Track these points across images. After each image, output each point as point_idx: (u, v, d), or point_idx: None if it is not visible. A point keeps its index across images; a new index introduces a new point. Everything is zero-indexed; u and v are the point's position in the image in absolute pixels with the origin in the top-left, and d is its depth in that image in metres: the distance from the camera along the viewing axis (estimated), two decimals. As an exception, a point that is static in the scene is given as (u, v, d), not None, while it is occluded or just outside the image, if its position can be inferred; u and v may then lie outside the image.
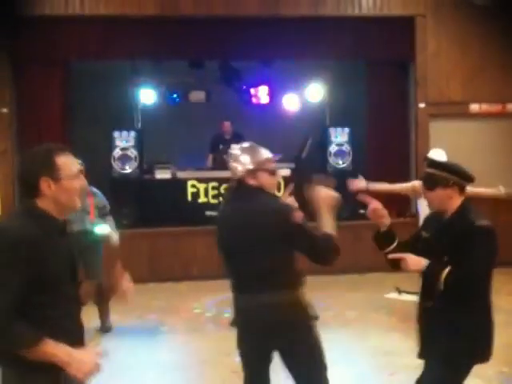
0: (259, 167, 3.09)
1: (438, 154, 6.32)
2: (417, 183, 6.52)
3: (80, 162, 6.19)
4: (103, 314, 6.34)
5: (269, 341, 3.09)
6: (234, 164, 3.11)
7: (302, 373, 3.13)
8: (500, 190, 6.21)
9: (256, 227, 3.00)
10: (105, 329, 6.32)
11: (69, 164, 2.39)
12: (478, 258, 3.03)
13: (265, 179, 3.11)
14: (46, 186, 2.31)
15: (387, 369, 5.11)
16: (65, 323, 2.36)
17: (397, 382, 4.88)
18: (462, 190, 3.14)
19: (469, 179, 3.19)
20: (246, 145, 3.20)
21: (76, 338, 2.42)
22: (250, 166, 3.07)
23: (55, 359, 2.24)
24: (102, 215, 6.31)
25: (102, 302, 6.34)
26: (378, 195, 7.67)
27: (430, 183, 3.13)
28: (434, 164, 3.22)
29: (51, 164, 2.33)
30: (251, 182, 3.09)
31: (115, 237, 6.19)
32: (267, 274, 3.01)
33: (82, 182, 2.49)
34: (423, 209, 6.34)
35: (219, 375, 5.09)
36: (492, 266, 3.19)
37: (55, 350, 2.24)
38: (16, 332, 2.18)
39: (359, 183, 6.03)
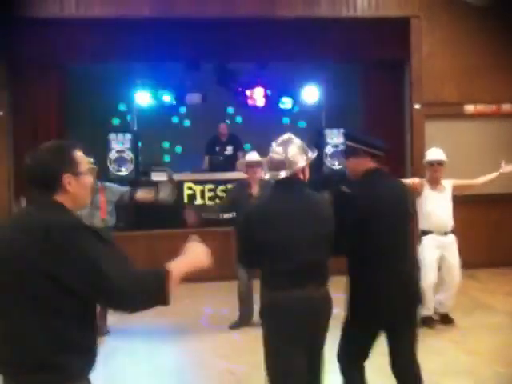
0: (308, 162, 3.26)
1: (436, 153, 6.34)
2: (417, 180, 6.53)
3: (91, 160, 6.29)
4: (101, 317, 6.34)
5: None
6: (293, 158, 3.17)
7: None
8: (502, 167, 6.41)
9: (320, 219, 3.12)
10: (102, 332, 6.31)
11: (84, 159, 2.44)
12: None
13: (307, 174, 3.28)
14: (67, 182, 2.33)
15: (384, 369, 5.12)
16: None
17: (393, 381, 4.89)
18: (373, 157, 3.47)
19: (377, 148, 3.49)
20: (295, 140, 3.30)
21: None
22: (304, 162, 3.22)
23: (186, 274, 2.42)
24: (128, 197, 6.32)
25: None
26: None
27: (345, 153, 3.55)
28: (348, 137, 3.60)
29: (72, 160, 2.36)
30: (301, 176, 3.23)
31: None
32: (324, 266, 3.16)
33: (91, 178, 2.53)
34: (423, 206, 6.35)
35: (217, 377, 5.10)
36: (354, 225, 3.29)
37: (180, 270, 2.40)
38: (145, 288, 2.32)
39: None
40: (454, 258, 6.23)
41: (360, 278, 3.41)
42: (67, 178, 2.33)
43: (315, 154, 3.28)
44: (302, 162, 3.20)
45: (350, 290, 3.46)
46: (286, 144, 3.24)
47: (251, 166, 6.44)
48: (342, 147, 9.52)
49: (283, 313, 3.03)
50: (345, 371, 3.56)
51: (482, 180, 6.49)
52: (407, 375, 3.59)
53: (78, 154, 2.40)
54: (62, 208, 2.32)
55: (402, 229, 3.44)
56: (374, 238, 3.31)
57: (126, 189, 6.46)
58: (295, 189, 3.19)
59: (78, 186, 2.36)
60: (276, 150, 3.23)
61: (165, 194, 6.19)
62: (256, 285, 6.47)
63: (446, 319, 6.37)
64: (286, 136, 3.31)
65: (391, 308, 3.38)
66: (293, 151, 3.20)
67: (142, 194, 6.39)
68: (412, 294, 3.48)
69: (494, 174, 6.48)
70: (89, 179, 2.44)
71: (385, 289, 3.33)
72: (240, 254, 3.26)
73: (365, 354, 3.55)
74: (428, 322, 6.25)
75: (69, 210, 2.34)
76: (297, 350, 3.03)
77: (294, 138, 3.30)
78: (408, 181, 6.40)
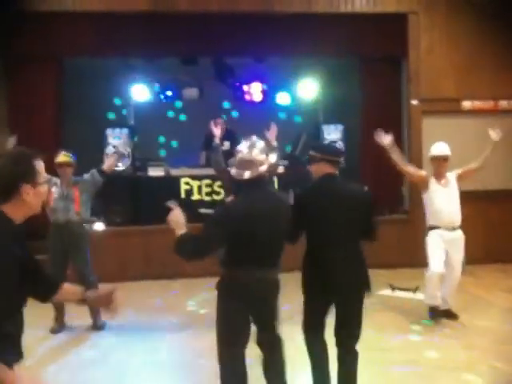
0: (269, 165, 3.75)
1: (441, 148, 6.29)
2: (424, 173, 6.49)
3: (66, 153, 6.25)
4: (94, 312, 6.31)
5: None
6: (257, 160, 3.53)
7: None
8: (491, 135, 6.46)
9: (278, 216, 3.62)
10: (97, 327, 6.29)
11: (43, 169, 2.45)
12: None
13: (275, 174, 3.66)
14: (25, 192, 2.34)
15: (382, 365, 5.13)
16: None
17: (391, 377, 4.90)
18: (325, 163, 3.94)
19: (333, 155, 3.98)
20: (258, 143, 3.61)
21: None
22: (267, 165, 3.64)
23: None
24: (94, 187, 6.36)
25: None
26: (374, 184, 7.71)
27: (309, 160, 4.05)
28: (311, 147, 4.15)
29: (32, 170, 2.36)
30: (265, 176, 3.65)
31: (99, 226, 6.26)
32: (278, 254, 3.68)
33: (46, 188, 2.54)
34: (432, 202, 6.28)
35: (215, 372, 5.09)
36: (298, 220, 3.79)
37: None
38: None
39: (386, 139, 6.18)
40: (458, 254, 6.20)
41: (308, 262, 3.95)
42: (26, 189, 2.33)
43: (275, 159, 3.76)
44: (265, 164, 3.55)
45: (303, 271, 3.96)
46: (251, 146, 3.55)
47: None
48: (339, 143, 9.59)
49: (241, 287, 3.51)
50: (308, 340, 4.04)
51: (481, 158, 6.44)
52: (345, 345, 3.95)
53: (38, 164, 2.40)
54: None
55: (349, 223, 3.85)
56: (317, 228, 3.85)
57: (91, 171, 6.41)
58: (259, 188, 3.58)
59: (34, 196, 2.38)
60: (242, 152, 3.55)
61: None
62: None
63: (449, 315, 6.34)
64: (252, 139, 3.61)
65: (335, 285, 3.83)
66: (257, 154, 3.52)
67: (108, 164, 6.53)
68: (356, 276, 3.89)
69: (488, 148, 6.44)
70: (44, 189, 2.45)
71: (326, 274, 3.81)
72: (205, 244, 3.52)
73: (322, 323, 3.99)
74: (434, 313, 6.22)
75: (9, 218, 2.35)
76: (244, 317, 3.58)
77: (258, 142, 3.60)
78: (421, 172, 6.36)
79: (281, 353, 3.79)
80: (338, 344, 3.93)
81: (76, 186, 6.24)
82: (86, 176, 6.32)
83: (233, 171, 3.60)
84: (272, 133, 5.60)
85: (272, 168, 3.85)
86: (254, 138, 3.62)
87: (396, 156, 6.36)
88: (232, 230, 3.43)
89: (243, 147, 3.56)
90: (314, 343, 4.02)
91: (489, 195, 8.94)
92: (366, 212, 3.93)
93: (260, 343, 3.76)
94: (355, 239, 3.91)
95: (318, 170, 3.97)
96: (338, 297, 3.87)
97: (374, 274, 8.32)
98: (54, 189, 6.17)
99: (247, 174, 3.50)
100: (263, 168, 3.53)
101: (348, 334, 3.91)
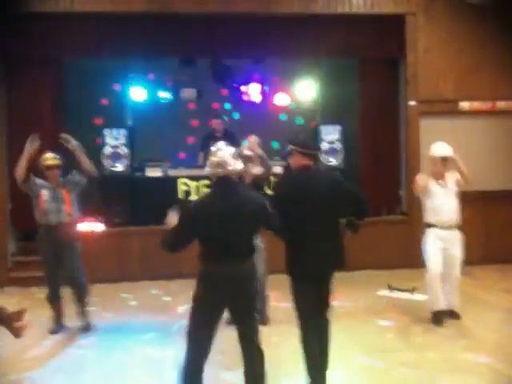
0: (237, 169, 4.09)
1: (440, 148, 6.27)
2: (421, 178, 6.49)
3: (55, 155, 6.27)
4: (81, 313, 6.32)
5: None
6: (226, 162, 3.91)
7: None
8: None
9: (246, 213, 3.95)
10: (84, 328, 6.27)
11: None
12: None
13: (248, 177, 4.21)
14: None
15: (381, 366, 5.13)
16: None
17: (391, 378, 4.90)
18: (300, 155, 4.31)
19: (307, 148, 4.34)
20: (227, 148, 3.99)
21: None
22: (236, 167, 4.01)
23: None
24: (78, 187, 6.32)
25: (80, 297, 6.28)
26: (372, 185, 7.73)
27: (287, 154, 4.45)
28: (288, 141, 4.51)
29: None
30: (234, 177, 4.07)
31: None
32: (247, 248, 4.03)
33: None
34: (429, 201, 6.30)
35: (213, 372, 5.09)
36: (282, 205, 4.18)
37: None
38: None
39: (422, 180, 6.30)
40: (457, 251, 6.21)
41: (289, 250, 4.30)
42: None
43: (241, 166, 4.00)
44: (231, 167, 3.91)
45: (286, 258, 4.31)
46: (221, 150, 3.95)
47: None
48: (337, 144, 9.59)
49: (216, 276, 3.87)
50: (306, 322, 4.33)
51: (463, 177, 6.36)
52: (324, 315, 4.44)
53: None
54: None
55: (325, 208, 4.21)
56: (296, 216, 4.17)
57: (72, 172, 6.38)
58: (229, 187, 3.94)
59: None
60: (215, 154, 3.94)
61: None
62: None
63: (453, 315, 6.36)
64: (220, 144, 4.02)
65: (315, 270, 4.28)
66: (227, 157, 3.91)
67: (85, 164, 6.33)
68: (332, 259, 4.32)
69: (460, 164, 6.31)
70: None
71: (306, 260, 4.22)
72: (174, 241, 4.01)
73: (313, 307, 4.31)
74: (438, 317, 6.17)
75: None
76: (218, 306, 3.95)
77: (226, 147, 3.98)
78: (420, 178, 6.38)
79: (261, 365, 4.03)
80: (319, 315, 4.38)
81: (64, 186, 6.25)
82: (71, 176, 6.33)
83: (205, 170, 4.01)
84: (252, 145, 5.93)
85: (241, 173, 4.36)
86: (222, 143, 4.03)
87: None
88: (193, 226, 3.87)
89: (213, 150, 3.97)
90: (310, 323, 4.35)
91: (488, 196, 8.95)
92: (345, 192, 4.29)
93: (242, 348, 4.04)
94: (333, 223, 4.30)
95: (295, 162, 4.36)
96: (318, 278, 4.33)
97: (373, 275, 8.43)
98: (43, 191, 6.17)
99: (220, 173, 3.91)
100: (230, 169, 3.89)
101: (326, 306, 4.44)
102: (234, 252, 3.89)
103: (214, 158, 3.92)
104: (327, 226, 4.25)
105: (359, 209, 4.35)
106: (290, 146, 4.38)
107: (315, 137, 9.60)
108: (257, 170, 5.89)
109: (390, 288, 7.66)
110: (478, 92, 9.26)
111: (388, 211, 9.39)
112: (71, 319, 6.42)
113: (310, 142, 4.51)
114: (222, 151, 3.93)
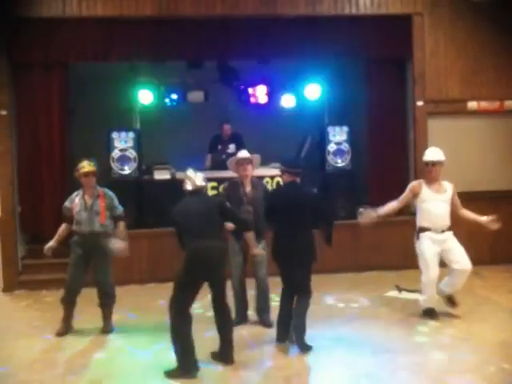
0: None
1: (433, 153, 6.42)
2: (415, 183, 6.57)
3: (90, 162, 6.32)
4: (106, 317, 6.38)
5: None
6: (196, 179, 5.47)
7: None
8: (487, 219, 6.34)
9: (210, 210, 5.37)
10: (106, 330, 6.33)
11: None
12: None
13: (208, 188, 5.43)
14: None
15: (388, 367, 5.13)
16: None
17: (398, 379, 4.89)
18: (288, 174, 5.76)
19: (292, 168, 5.75)
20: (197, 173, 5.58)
21: None
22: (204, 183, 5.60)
23: None
24: (113, 217, 6.36)
25: (106, 304, 6.36)
26: (379, 186, 7.73)
27: (280, 171, 5.97)
28: (280, 161, 5.99)
29: None
30: (203, 189, 5.67)
31: (123, 248, 6.14)
32: (216, 231, 5.36)
33: None
34: (420, 204, 6.42)
35: (222, 375, 5.11)
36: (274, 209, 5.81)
37: None
38: None
39: (369, 216, 6.32)
40: (456, 247, 6.30)
41: (275, 240, 5.73)
42: None
43: (204, 183, 5.50)
44: (200, 183, 5.44)
45: (272, 243, 5.75)
46: (194, 172, 5.52)
47: (241, 163, 6.45)
48: (344, 145, 9.58)
49: (197, 253, 5.10)
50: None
51: (467, 214, 6.41)
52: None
53: None
54: None
55: (300, 215, 5.61)
56: (280, 217, 5.67)
57: (119, 209, 6.44)
58: (199, 195, 5.44)
59: None
60: (189, 175, 5.47)
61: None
62: (250, 283, 6.50)
63: (450, 300, 6.48)
64: (190, 170, 5.56)
65: (290, 255, 5.60)
66: (197, 177, 5.45)
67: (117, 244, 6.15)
68: (306, 249, 5.63)
69: (478, 219, 6.37)
70: None
71: (285, 248, 5.58)
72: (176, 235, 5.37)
73: (292, 285, 5.69)
74: (430, 314, 6.40)
75: None
76: (193, 272, 5.11)
77: (196, 172, 5.53)
78: (407, 192, 6.54)
79: (230, 319, 5.51)
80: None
81: (102, 196, 6.32)
82: (114, 201, 6.39)
83: (185, 186, 5.42)
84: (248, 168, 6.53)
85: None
86: (191, 170, 5.53)
87: (386, 209, 6.49)
88: (177, 221, 5.28)
89: (191, 174, 5.48)
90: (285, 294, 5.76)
91: (496, 196, 8.90)
92: (315, 207, 5.69)
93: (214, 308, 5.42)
94: (306, 224, 5.64)
95: (284, 178, 5.86)
96: (296, 261, 5.61)
97: (380, 276, 8.42)
98: (76, 200, 6.25)
99: (189, 187, 5.40)
100: (198, 184, 5.40)
101: (301, 285, 5.65)
102: (207, 233, 5.17)
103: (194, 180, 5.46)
104: (301, 225, 5.61)
105: (320, 223, 5.80)
106: (281, 167, 5.80)
107: (323, 138, 9.61)
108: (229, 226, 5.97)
109: (399, 289, 7.65)
110: (485, 92, 9.24)
111: (396, 212, 9.36)
112: (85, 322, 6.49)
113: (296, 163, 5.91)
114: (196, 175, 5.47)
